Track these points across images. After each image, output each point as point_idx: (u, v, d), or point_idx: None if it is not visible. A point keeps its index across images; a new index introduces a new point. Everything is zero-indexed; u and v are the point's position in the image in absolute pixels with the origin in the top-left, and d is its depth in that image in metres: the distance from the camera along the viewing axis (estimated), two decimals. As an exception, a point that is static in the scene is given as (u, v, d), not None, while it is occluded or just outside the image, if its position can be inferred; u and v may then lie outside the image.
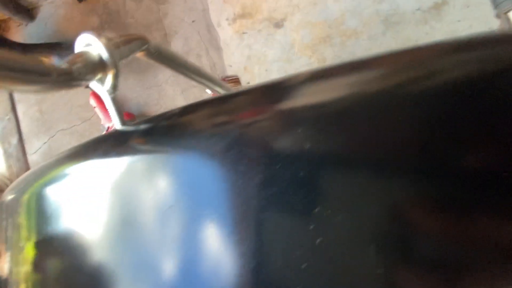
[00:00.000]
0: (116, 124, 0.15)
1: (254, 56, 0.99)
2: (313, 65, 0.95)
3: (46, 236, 0.17)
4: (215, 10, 1.02)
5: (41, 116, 1.19)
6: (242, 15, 1.00)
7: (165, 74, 1.06)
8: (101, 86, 0.15)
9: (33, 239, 0.18)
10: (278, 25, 0.98)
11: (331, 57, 0.94)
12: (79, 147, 0.17)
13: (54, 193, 0.16)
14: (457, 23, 0.86)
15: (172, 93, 1.05)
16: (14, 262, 0.19)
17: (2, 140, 1.25)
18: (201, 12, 1.03)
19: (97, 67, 0.14)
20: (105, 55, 0.14)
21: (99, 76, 0.14)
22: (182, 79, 1.05)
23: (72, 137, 1.16)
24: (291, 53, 0.97)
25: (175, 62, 0.31)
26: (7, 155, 1.24)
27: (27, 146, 1.22)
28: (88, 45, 0.14)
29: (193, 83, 1.10)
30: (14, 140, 1.23)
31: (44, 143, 1.19)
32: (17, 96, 1.22)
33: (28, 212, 0.18)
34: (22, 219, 0.19)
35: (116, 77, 0.15)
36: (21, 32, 1.14)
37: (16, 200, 0.20)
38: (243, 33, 1.00)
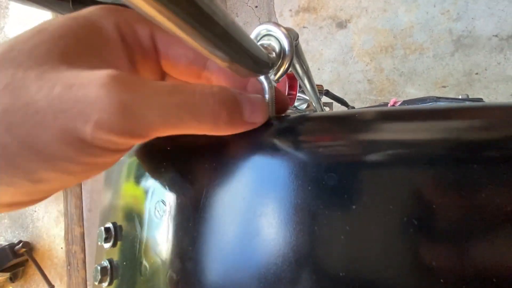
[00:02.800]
0: (271, 113, 0.16)
1: (309, 52, 0.98)
2: (369, 73, 0.93)
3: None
4: (280, -1, 1.01)
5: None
6: (307, 9, 0.99)
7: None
8: (267, 77, 0.16)
9: (131, 197, 0.20)
10: (341, 25, 0.96)
11: (389, 69, 0.91)
12: None
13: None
14: (536, 57, 0.80)
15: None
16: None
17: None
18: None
19: (276, 60, 0.15)
20: (285, 45, 0.15)
21: (271, 69, 0.15)
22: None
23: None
24: (348, 56, 0.95)
25: (302, 60, 0.32)
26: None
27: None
28: (266, 35, 0.15)
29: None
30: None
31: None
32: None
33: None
34: (125, 178, 0.22)
35: (287, 68, 0.16)
36: (92, -11, 1.20)
37: (122, 161, 0.23)
38: (304, 27, 0.99)
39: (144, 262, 0.18)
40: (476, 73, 0.84)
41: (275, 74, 0.16)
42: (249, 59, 0.12)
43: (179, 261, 0.16)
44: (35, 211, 1.43)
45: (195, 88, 0.13)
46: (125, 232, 0.20)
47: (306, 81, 0.45)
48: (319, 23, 0.98)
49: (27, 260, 1.36)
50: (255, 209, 0.14)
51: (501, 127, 0.12)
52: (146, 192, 0.19)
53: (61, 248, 1.39)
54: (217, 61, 0.11)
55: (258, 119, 0.15)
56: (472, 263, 0.10)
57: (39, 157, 0.10)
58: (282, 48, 0.16)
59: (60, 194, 1.38)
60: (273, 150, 0.15)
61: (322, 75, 0.97)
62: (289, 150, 0.14)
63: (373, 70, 0.93)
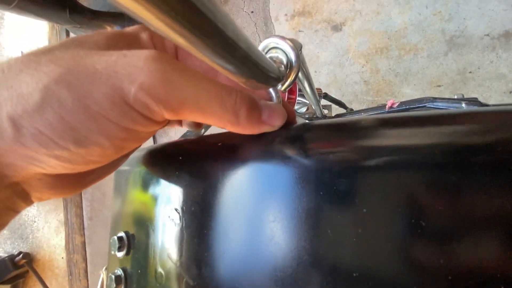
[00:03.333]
0: None
1: (306, 55, 1.00)
2: (365, 74, 0.94)
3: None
4: (275, 4, 1.02)
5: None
6: (302, 13, 1.00)
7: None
8: (275, 90, 0.17)
9: (141, 206, 0.21)
10: (336, 28, 0.97)
11: (384, 69, 0.93)
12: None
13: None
14: (527, 55, 0.82)
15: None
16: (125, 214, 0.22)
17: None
18: (261, 4, 1.03)
19: (284, 73, 0.16)
20: (292, 58, 0.16)
21: (280, 81, 0.16)
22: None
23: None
24: (344, 58, 0.96)
25: (303, 66, 0.33)
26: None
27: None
28: (273, 48, 0.16)
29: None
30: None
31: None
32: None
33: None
34: (135, 187, 0.22)
35: (294, 79, 0.17)
36: (88, -2, 1.20)
37: (131, 171, 0.23)
38: (299, 31, 1.00)
39: (159, 269, 0.19)
40: (470, 72, 0.85)
41: (283, 85, 0.17)
42: (263, 75, 0.12)
43: (195, 267, 0.17)
44: (34, 222, 1.42)
45: (222, 83, 0.14)
46: (137, 240, 0.21)
47: (306, 85, 0.46)
48: (315, 27, 0.99)
49: (27, 272, 1.35)
50: (268, 214, 0.15)
51: (491, 133, 0.13)
52: (157, 200, 0.20)
53: (62, 258, 1.39)
54: (234, 79, 0.12)
55: (275, 122, 0.16)
56: (475, 261, 0.11)
57: (88, 114, 0.12)
58: (289, 60, 0.17)
59: (59, 204, 1.37)
60: (283, 157, 0.15)
61: (319, 78, 0.98)
62: (298, 157, 0.15)
63: (369, 72, 0.94)
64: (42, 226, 1.41)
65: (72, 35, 1.30)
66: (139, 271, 0.20)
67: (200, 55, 0.09)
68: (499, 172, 0.11)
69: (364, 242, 0.13)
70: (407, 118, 0.15)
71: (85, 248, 1.32)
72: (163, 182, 0.20)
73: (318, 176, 0.14)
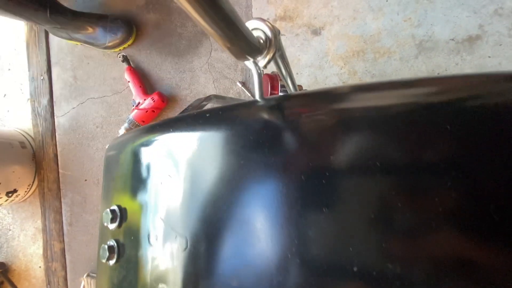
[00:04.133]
0: (257, 96, 0.19)
1: (288, 58, 1.03)
2: (343, 76, 0.99)
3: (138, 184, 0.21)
4: (258, 8, 1.06)
5: (74, 81, 1.24)
6: (283, 17, 1.04)
7: (200, 62, 1.10)
8: (256, 64, 0.19)
9: (133, 181, 0.22)
10: (316, 32, 1.02)
11: (361, 71, 0.98)
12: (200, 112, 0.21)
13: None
14: (487, 58, 0.90)
15: (204, 80, 1.10)
16: (115, 197, 0.23)
17: (33, 98, 1.30)
18: (244, 8, 1.07)
19: (262, 46, 0.18)
20: (271, 36, 0.19)
21: (259, 55, 0.18)
22: (215, 69, 1.09)
23: (101, 106, 1.21)
24: (324, 61, 1.01)
25: (284, 58, 0.36)
26: (36, 114, 1.30)
27: (56, 108, 1.28)
28: (254, 29, 0.19)
29: (225, 73, 1.14)
30: (45, 100, 1.28)
31: (73, 108, 1.25)
32: (53, 59, 1.27)
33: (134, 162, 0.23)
34: (126, 166, 0.24)
35: (273, 57, 0.19)
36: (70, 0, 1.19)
37: (121, 151, 0.24)
38: (282, 34, 1.04)
39: (152, 232, 0.20)
40: (438, 73, 0.92)
41: (263, 61, 0.20)
42: (245, 42, 0.15)
43: (193, 227, 0.19)
44: (9, 230, 1.35)
45: None
46: (130, 212, 0.22)
47: (289, 81, 0.49)
48: (296, 31, 1.04)
49: (2, 283, 1.28)
50: (250, 174, 0.17)
51: (446, 93, 0.16)
52: (149, 170, 0.21)
53: (39, 267, 1.33)
54: (220, 42, 0.14)
55: None
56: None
57: None
58: (268, 38, 0.20)
59: (37, 210, 1.32)
60: (264, 124, 0.18)
61: (301, 79, 1.03)
62: (278, 123, 0.17)
63: (347, 73, 0.99)
64: (18, 234, 1.35)
65: (51, 36, 1.27)
66: (131, 238, 0.22)
67: (197, 17, 0.12)
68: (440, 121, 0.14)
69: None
70: (374, 84, 0.17)
71: (64, 255, 1.28)
72: (155, 154, 0.21)
73: (293, 137, 0.16)
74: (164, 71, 1.12)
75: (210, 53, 1.09)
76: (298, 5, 1.02)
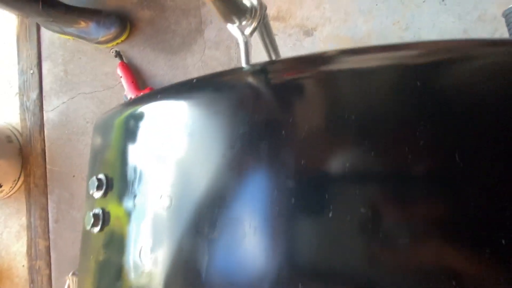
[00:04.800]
0: (243, 63, 0.20)
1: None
2: (334, 76, 1.02)
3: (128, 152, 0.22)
4: (252, 8, 1.08)
5: (65, 76, 1.23)
6: (276, 18, 1.06)
7: (194, 59, 1.11)
8: (241, 30, 0.20)
9: (122, 150, 0.23)
10: (308, 33, 1.04)
11: (351, 72, 1.01)
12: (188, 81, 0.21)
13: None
14: (471, 62, 0.93)
15: (197, 77, 1.11)
16: (103, 164, 0.24)
17: (22, 92, 1.28)
18: (238, 8, 1.09)
19: (247, 12, 0.19)
20: (256, 6, 0.19)
21: (244, 21, 0.19)
22: (208, 67, 1.10)
23: (91, 102, 1.20)
24: (315, 61, 1.03)
25: (269, 31, 0.36)
26: (24, 108, 1.28)
27: (45, 102, 1.26)
28: None
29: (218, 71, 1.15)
30: (34, 95, 1.26)
31: (63, 102, 1.23)
32: (44, 53, 1.26)
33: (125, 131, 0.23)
34: (116, 134, 0.24)
35: (258, 25, 0.20)
36: (63, -6, 1.18)
37: (111, 120, 0.25)
38: (274, 34, 1.06)
39: (138, 197, 0.20)
40: (425, 75, 0.95)
41: (248, 29, 0.20)
42: (230, 1, 0.15)
43: (176, 186, 0.19)
44: (-8, 227, 1.32)
45: None
46: (116, 182, 0.22)
47: (273, 55, 0.50)
48: (288, 31, 1.06)
49: (-18, 281, 1.23)
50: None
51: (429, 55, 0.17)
52: (141, 142, 0.22)
53: (23, 266, 1.29)
54: None
55: None
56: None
57: None
58: (253, 7, 0.20)
59: (22, 207, 1.29)
60: (250, 89, 0.18)
61: (292, 78, 1.04)
62: (263, 88, 0.18)
63: (338, 73, 1.02)
64: (1, 232, 1.31)
65: (43, 30, 1.26)
66: (117, 205, 0.22)
67: None
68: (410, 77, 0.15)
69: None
70: (359, 49, 0.19)
71: (49, 253, 1.25)
72: (142, 124, 0.22)
73: (281, 99, 0.17)
74: (157, 67, 1.13)
75: (204, 51, 1.10)
76: (291, 6, 1.05)
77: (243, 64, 0.19)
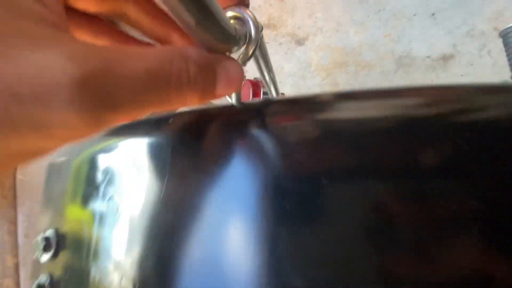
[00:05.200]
0: (233, 100, 0.16)
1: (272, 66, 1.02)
2: (325, 87, 1.00)
3: (90, 198, 0.17)
4: (242, 14, 1.05)
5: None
6: (267, 26, 1.03)
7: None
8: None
9: (79, 199, 0.18)
10: (300, 42, 1.02)
11: (343, 83, 0.99)
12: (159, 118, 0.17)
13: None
14: (460, 77, 0.94)
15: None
16: (59, 216, 0.19)
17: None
18: (228, 13, 1.05)
19: (240, 39, 0.15)
20: (252, 30, 0.15)
21: (236, 49, 0.15)
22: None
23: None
24: (307, 71, 1.01)
25: (263, 53, 0.33)
26: None
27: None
28: (236, 18, 0.16)
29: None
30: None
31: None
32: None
33: (79, 175, 0.19)
34: (71, 180, 0.19)
35: (253, 53, 0.16)
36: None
37: (67, 163, 0.20)
38: (266, 42, 1.03)
39: (94, 270, 0.16)
40: (415, 89, 0.95)
41: (242, 58, 0.17)
42: (216, 25, 0.11)
43: (140, 269, 0.15)
44: (-47, 242, 1.19)
45: (170, 56, 0.10)
46: (70, 239, 0.18)
47: (271, 87, 0.46)
48: (279, 40, 1.03)
49: None
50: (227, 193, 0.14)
51: (433, 105, 0.14)
52: (103, 190, 0.17)
53: (-13, 284, 1.18)
54: (182, 23, 0.10)
55: (230, 91, 0.13)
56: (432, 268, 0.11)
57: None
58: (248, 31, 0.16)
59: (-12, 220, 1.18)
60: (241, 132, 0.15)
61: (284, 88, 1.01)
62: (257, 132, 0.14)
63: (329, 84, 1.00)
64: (-37, 247, 1.19)
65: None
66: (69, 275, 0.17)
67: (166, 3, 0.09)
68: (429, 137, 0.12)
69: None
70: (359, 93, 0.15)
71: (18, 270, 1.15)
72: (111, 171, 0.17)
73: (274, 148, 0.14)
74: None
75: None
76: (283, 14, 1.02)
77: (233, 101, 0.15)
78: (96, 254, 0.16)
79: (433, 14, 0.95)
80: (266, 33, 1.03)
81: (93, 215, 0.17)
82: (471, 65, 0.93)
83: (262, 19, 1.03)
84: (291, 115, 0.15)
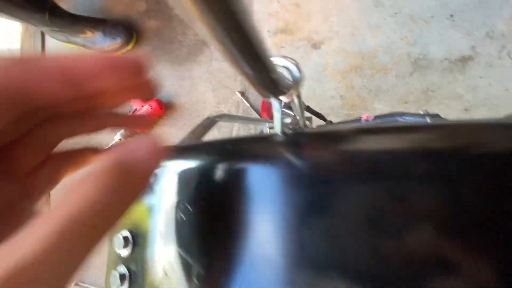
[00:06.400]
0: (277, 130, 0.20)
1: (287, 70, 1.05)
2: (341, 90, 1.02)
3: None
4: (259, 20, 1.08)
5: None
6: (284, 31, 1.06)
7: (200, 70, 1.11)
8: (278, 101, 0.20)
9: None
10: (316, 46, 1.04)
11: (358, 87, 1.01)
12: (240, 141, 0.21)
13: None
14: (478, 79, 0.93)
15: (203, 89, 1.10)
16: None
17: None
18: (245, 20, 1.08)
19: (287, 86, 0.19)
20: (298, 75, 0.19)
21: (283, 94, 0.19)
22: (215, 78, 1.10)
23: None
24: (322, 75, 1.03)
25: (299, 94, 0.37)
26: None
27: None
28: (283, 67, 0.19)
29: (224, 83, 1.14)
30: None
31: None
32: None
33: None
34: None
35: (298, 99, 0.19)
36: (70, 2, 1.18)
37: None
38: (281, 47, 1.06)
39: (168, 263, 0.20)
40: (432, 91, 0.95)
41: (288, 99, 0.20)
42: (274, 84, 0.15)
43: (206, 258, 0.19)
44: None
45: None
46: (142, 238, 0.22)
47: (295, 98, 0.50)
48: (296, 44, 1.06)
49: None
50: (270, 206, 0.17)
51: (449, 140, 0.17)
52: (165, 196, 0.21)
53: None
54: (244, 75, 0.14)
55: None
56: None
57: None
58: (294, 78, 0.20)
59: None
60: (278, 161, 0.18)
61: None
62: (299, 161, 0.18)
63: (345, 88, 1.02)
64: None
65: (48, 38, 1.26)
66: (144, 267, 0.21)
67: (231, 59, 0.12)
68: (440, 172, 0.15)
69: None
70: (384, 127, 0.19)
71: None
72: (172, 180, 0.21)
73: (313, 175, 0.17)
74: (163, 78, 1.12)
75: (211, 62, 1.10)
76: (299, 19, 1.05)
77: (277, 131, 0.19)
78: (167, 248, 0.20)
79: (451, 16, 0.95)
80: (282, 38, 1.06)
81: (163, 220, 0.21)
82: (490, 67, 0.92)
83: (278, 24, 1.06)
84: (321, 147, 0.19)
